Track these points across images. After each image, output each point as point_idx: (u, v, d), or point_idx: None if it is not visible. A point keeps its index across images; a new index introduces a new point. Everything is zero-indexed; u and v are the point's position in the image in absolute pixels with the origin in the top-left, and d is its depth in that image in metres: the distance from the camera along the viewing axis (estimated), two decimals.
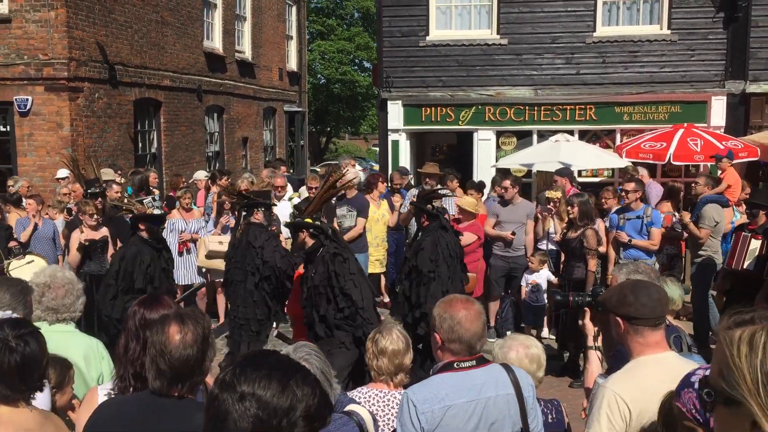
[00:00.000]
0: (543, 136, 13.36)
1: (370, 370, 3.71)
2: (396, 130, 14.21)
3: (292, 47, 24.84)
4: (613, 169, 13.37)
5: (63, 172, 11.70)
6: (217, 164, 18.20)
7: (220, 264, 8.94)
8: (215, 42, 18.37)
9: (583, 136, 13.52)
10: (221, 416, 1.61)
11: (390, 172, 12.22)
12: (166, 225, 8.39)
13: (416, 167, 14.03)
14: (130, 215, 6.97)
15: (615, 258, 7.91)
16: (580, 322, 3.28)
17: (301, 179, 13.80)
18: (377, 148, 23.74)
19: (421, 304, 6.50)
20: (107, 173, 10.65)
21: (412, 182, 11.62)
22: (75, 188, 10.09)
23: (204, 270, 9.17)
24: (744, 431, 1.44)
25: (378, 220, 9.30)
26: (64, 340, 3.54)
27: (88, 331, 4.89)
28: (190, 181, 12.51)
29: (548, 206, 8.61)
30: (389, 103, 14.10)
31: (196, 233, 9.15)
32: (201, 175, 12.33)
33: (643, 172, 10.32)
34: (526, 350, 3.47)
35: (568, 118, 13.64)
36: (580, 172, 10.47)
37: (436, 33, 13.92)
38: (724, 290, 7.87)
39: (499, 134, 14.10)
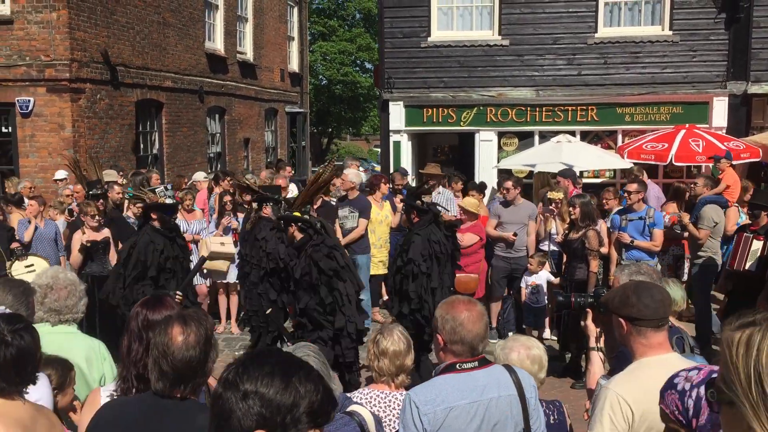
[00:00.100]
0: (544, 137, 13.36)
1: (371, 371, 3.70)
2: (397, 131, 14.21)
3: (294, 48, 24.86)
4: (614, 170, 13.37)
5: (61, 174, 11.73)
6: (219, 165, 18.21)
7: (221, 265, 8.96)
8: (217, 43, 18.38)
9: (585, 137, 13.51)
10: (225, 415, 1.63)
11: (391, 173, 12.22)
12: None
13: (418, 168, 14.05)
14: (142, 204, 6.96)
15: (617, 259, 7.90)
16: (582, 323, 3.28)
17: (303, 180, 13.80)
18: (378, 149, 23.75)
19: (411, 300, 6.47)
20: (110, 174, 10.66)
21: (412, 183, 11.62)
22: (77, 189, 10.10)
23: (205, 271, 9.17)
24: (743, 431, 1.46)
25: (381, 221, 9.30)
26: (66, 341, 3.55)
27: (90, 332, 4.90)
28: (189, 182, 12.53)
29: (550, 207, 8.61)
30: (391, 104, 14.10)
31: (198, 234, 9.16)
32: (200, 176, 12.33)
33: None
34: (527, 351, 3.47)
35: (569, 119, 13.64)
36: (581, 173, 10.46)
37: (438, 34, 13.92)
38: (725, 291, 7.87)
39: (500, 135, 14.10)
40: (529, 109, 13.76)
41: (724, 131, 12.79)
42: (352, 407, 3.14)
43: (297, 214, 5.68)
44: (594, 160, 11.66)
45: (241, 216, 9.29)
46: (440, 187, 9.87)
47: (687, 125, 11.97)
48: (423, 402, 2.81)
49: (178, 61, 16.09)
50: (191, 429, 2.38)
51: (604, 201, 8.86)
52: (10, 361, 2.44)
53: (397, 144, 14.24)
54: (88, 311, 3.84)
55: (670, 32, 13.25)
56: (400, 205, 9.80)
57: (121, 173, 11.71)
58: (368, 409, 3.32)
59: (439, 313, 2.98)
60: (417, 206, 6.71)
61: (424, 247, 6.49)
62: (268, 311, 5.96)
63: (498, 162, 13.33)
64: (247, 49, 20.37)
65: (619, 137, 13.64)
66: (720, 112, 13.19)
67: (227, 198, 9.28)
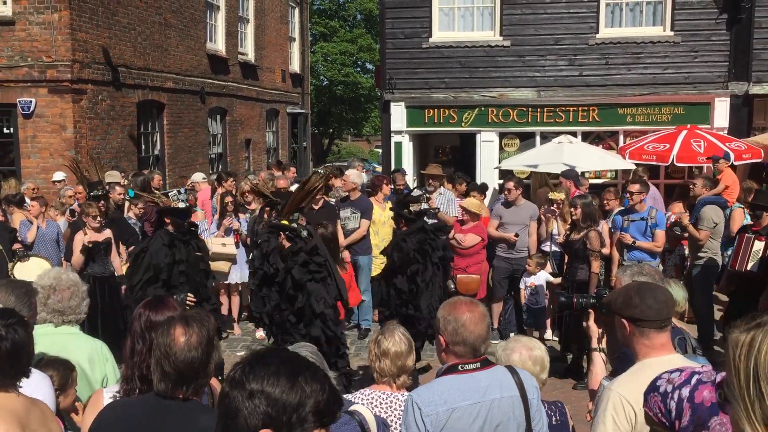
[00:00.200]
0: (546, 137, 13.35)
1: (372, 372, 3.70)
2: (399, 132, 14.21)
3: (295, 49, 24.87)
4: (616, 171, 13.36)
5: (59, 175, 11.74)
6: (220, 166, 18.23)
7: (223, 266, 8.96)
8: (218, 44, 18.40)
9: (586, 137, 13.51)
10: (232, 413, 1.64)
11: (392, 173, 12.21)
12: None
13: (419, 169, 14.05)
14: (157, 208, 6.93)
15: (618, 260, 7.90)
16: (584, 323, 3.28)
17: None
18: (380, 150, 23.77)
19: (399, 301, 6.42)
20: (113, 175, 10.65)
21: (410, 183, 11.61)
22: (79, 190, 10.11)
23: None
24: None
25: (384, 222, 9.30)
26: (69, 341, 3.56)
27: (92, 333, 4.90)
28: (187, 183, 12.54)
29: (551, 208, 8.61)
30: (392, 104, 14.10)
31: (200, 235, 9.15)
32: (199, 176, 12.34)
33: None
34: (529, 352, 3.47)
35: (571, 120, 13.63)
36: (583, 174, 10.45)
37: (439, 35, 13.92)
38: (728, 292, 7.86)
39: (502, 136, 14.09)
40: (530, 109, 13.76)
41: (726, 132, 12.78)
42: (354, 407, 3.14)
43: (285, 222, 5.61)
44: (595, 160, 11.66)
45: (242, 217, 9.30)
46: (441, 187, 9.87)
47: (688, 126, 11.97)
48: (425, 403, 2.81)
49: (180, 62, 16.10)
50: (193, 430, 2.38)
51: (605, 201, 8.85)
52: (5, 354, 2.48)
53: (399, 145, 14.24)
54: (89, 312, 3.84)
55: (672, 33, 13.24)
56: None
57: (122, 174, 11.72)
58: (370, 410, 3.32)
59: (441, 314, 2.98)
60: (405, 215, 6.69)
61: (410, 249, 6.44)
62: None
63: (499, 163, 13.32)
64: (248, 49, 20.38)
65: (621, 138, 13.63)
66: (721, 112, 13.18)
67: (228, 199, 9.29)
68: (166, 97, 15.51)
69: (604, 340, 3.22)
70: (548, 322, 8.82)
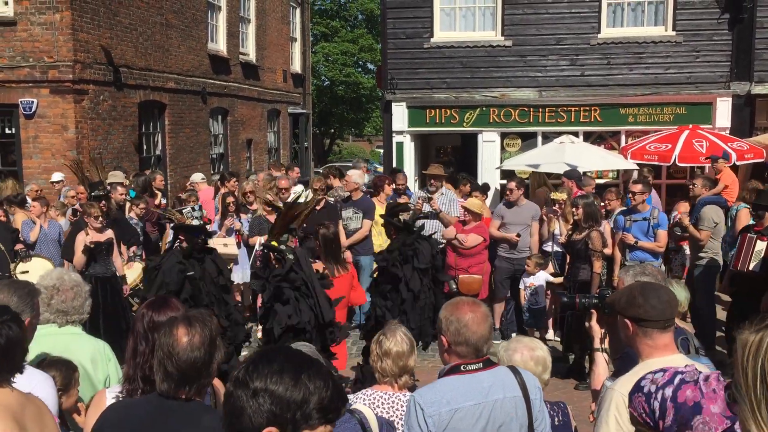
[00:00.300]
0: (547, 137, 13.35)
1: (374, 372, 3.70)
2: (400, 132, 14.21)
3: (296, 49, 24.88)
4: (617, 171, 13.36)
5: (57, 176, 11.75)
6: (222, 166, 18.24)
7: None
8: (219, 44, 18.40)
9: (588, 137, 13.50)
10: (237, 412, 1.66)
11: (394, 173, 12.20)
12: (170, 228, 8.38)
13: (421, 169, 14.04)
14: (172, 225, 6.87)
15: (621, 260, 7.89)
16: (586, 324, 3.28)
17: (306, 182, 13.80)
18: (381, 150, 23.79)
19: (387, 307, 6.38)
20: (117, 176, 10.66)
21: (411, 184, 11.61)
22: (80, 190, 10.13)
23: None
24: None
25: None
26: (72, 342, 3.56)
27: (93, 333, 4.90)
28: (187, 184, 12.54)
29: (553, 208, 8.61)
30: (393, 104, 14.11)
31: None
32: (197, 177, 12.34)
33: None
34: (531, 353, 3.46)
35: (572, 120, 13.63)
36: (587, 174, 10.45)
37: (441, 35, 13.92)
38: (730, 292, 7.85)
39: (503, 136, 14.10)
40: (532, 109, 13.75)
41: (728, 132, 12.77)
42: (355, 405, 3.14)
43: (274, 243, 5.60)
44: (597, 160, 11.65)
45: (244, 217, 9.30)
46: (443, 188, 9.87)
47: (690, 126, 11.97)
48: (428, 403, 2.80)
49: (181, 63, 16.11)
50: (196, 430, 2.38)
51: (606, 201, 8.84)
52: (0, 350, 2.48)
53: (400, 145, 14.25)
54: (91, 313, 3.85)
55: (674, 33, 13.23)
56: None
57: (125, 175, 11.73)
58: (372, 410, 3.32)
59: (444, 314, 2.97)
60: (395, 223, 6.68)
61: (399, 255, 6.41)
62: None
63: (501, 163, 13.32)
64: (249, 50, 20.39)
65: (623, 138, 13.63)
66: (723, 112, 13.17)
67: (230, 199, 9.29)
68: (168, 98, 15.52)
69: (606, 341, 3.21)
70: (550, 322, 8.82)
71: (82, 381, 3.38)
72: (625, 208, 8.35)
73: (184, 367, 2.41)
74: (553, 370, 3.65)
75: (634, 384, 2.12)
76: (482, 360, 2.91)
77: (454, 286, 8.05)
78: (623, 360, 3.04)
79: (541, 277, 8.33)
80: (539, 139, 13.78)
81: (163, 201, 11.73)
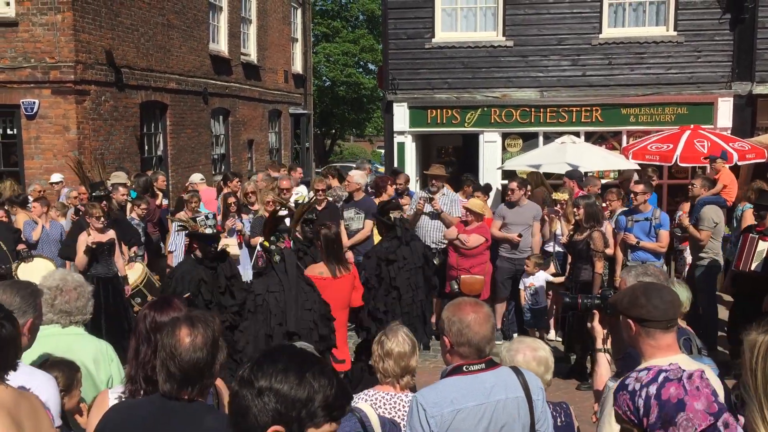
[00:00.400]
0: (549, 137, 13.34)
1: (376, 373, 3.70)
2: (401, 132, 14.21)
3: (297, 50, 24.88)
4: (619, 171, 13.35)
5: (56, 177, 11.76)
6: (223, 167, 18.25)
7: None
8: (221, 45, 18.42)
9: (589, 137, 13.50)
10: (242, 411, 1.67)
11: (395, 173, 12.20)
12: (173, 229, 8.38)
13: (422, 169, 14.04)
14: (186, 233, 6.84)
15: (622, 260, 7.89)
16: (588, 324, 3.27)
17: (307, 182, 13.81)
18: (382, 150, 23.79)
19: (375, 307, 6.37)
20: (119, 176, 10.66)
21: (416, 184, 11.60)
22: (81, 190, 10.13)
23: None
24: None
25: None
26: (75, 342, 3.57)
27: (95, 334, 4.90)
28: (186, 184, 12.55)
29: (555, 208, 8.61)
30: (395, 105, 14.11)
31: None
32: (196, 177, 12.34)
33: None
34: (533, 353, 3.46)
35: (574, 120, 13.62)
36: (585, 174, 10.45)
37: (442, 35, 13.92)
38: (731, 293, 7.84)
39: (504, 136, 14.09)
40: (533, 110, 13.75)
41: (729, 132, 12.76)
42: (356, 404, 3.15)
43: (266, 244, 5.58)
44: (598, 160, 11.65)
45: (245, 217, 9.30)
46: (445, 188, 9.86)
47: (692, 126, 11.96)
48: (430, 404, 2.80)
49: (183, 63, 16.12)
50: (199, 431, 2.38)
51: (608, 202, 8.84)
52: None
53: (401, 145, 14.25)
54: (93, 313, 3.85)
55: (675, 33, 13.23)
56: (405, 207, 9.79)
57: (127, 175, 11.74)
58: (373, 409, 3.32)
59: (446, 315, 2.97)
60: (385, 221, 6.69)
61: (384, 258, 6.40)
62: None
63: (502, 163, 13.32)
64: (250, 50, 20.40)
65: (624, 138, 13.63)
66: (725, 112, 13.16)
67: (231, 199, 9.29)
68: (169, 98, 15.53)
69: (608, 341, 3.21)
70: (551, 322, 8.82)
71: (84, 381, 3.38)
72: (626, 209, 8.35)
73: (186, 368, 2.41)
74: (555, 371, 3.65)
75: (619, 382, 2.15)
76: (485, 360, 2.90)
77: (455, 287, 8.06)
78: (625, 360, 3.04)
79: (540, 277, 8.33)
80: (540, 139, 13.78)
81: (165, 202, 11.72)
